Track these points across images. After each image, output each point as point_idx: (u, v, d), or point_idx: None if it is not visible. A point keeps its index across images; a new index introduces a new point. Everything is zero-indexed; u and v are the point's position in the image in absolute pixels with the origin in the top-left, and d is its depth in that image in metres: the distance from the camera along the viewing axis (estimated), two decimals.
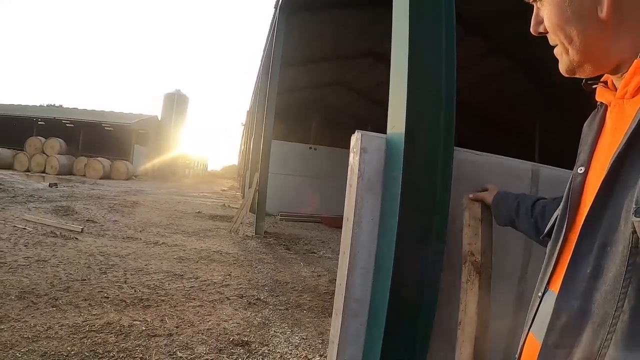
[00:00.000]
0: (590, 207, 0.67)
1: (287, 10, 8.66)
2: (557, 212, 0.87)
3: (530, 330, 0.79)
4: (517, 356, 0.82)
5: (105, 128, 31.67)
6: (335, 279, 5.39)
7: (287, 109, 14.55)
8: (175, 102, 41.22)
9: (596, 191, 0.66)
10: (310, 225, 10.90)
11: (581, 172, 0.78)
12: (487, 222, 1.57)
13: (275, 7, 9.28)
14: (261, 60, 13.60)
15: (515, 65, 8.79)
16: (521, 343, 0.81)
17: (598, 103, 0.83)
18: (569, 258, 0.69)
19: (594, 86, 0.81)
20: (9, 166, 23.75)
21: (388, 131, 1.74)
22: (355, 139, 1.69)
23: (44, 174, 22.50)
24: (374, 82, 12.53)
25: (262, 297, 4.19)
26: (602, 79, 0.80)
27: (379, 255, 1.65)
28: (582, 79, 0.82)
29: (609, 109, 0.77)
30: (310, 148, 13.54)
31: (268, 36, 11.21)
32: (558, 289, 0.70)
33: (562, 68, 0.79)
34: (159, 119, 39.65)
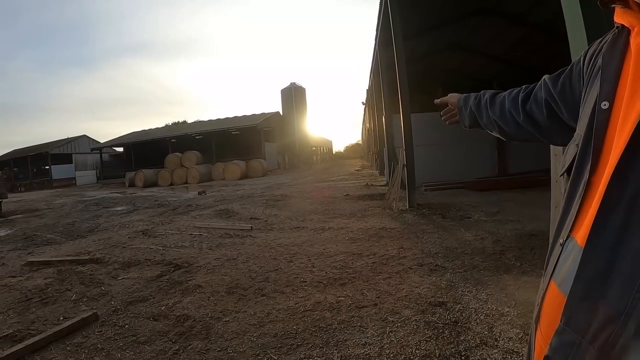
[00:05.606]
0: (622, 152, 0.58)
1: None
2: (576, 148, 0.75)
3: (552, 279, 0.72)
4: (538, 305, 0.76)
5: (233, 133, 34.22)
6: (499, 240, 5.42)
7: (410, 80, 14.59)
8: (293, 94, 42.83)
9: (629, 132, 0.58)
10: (454, 191, 10.74)
11: (605, 107, 0.67)
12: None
13: None
14: (376, 36, 13.70)
15: None
16: (542, 292, 0.75)
17: (617, 25, 0.73)
18: (598, 207, 0.60)
19: (612, 5, 0.71)
20: (153, 184, 27.21)
21: None
22: None
23: (186, 185, 25.07)
24: (487, 38, 12.36)
25: (439, 263, 4.39)
26: None
27: None
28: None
29: (633, 33, 0.68)
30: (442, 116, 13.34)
31: (380, 9, 11.26)
32: (584, 240, 0.62)
33: None
34: (281, 114, 41.61)
